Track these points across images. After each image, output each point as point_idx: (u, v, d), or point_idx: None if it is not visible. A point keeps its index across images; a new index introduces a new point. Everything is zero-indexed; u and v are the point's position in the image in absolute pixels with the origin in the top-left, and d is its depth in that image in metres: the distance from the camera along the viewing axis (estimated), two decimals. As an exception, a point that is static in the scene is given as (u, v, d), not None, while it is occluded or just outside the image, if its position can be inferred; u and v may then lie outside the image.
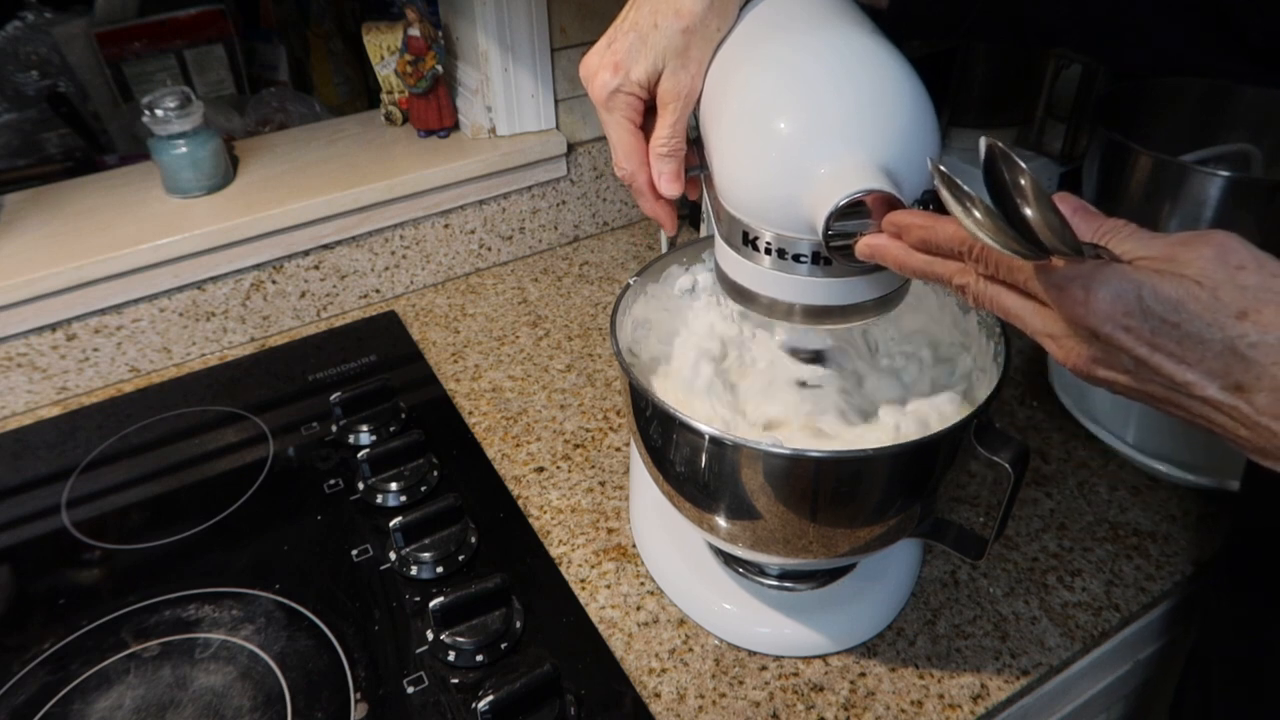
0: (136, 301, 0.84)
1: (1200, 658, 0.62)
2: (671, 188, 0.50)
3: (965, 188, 0.36)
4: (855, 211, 0.41)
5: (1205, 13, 0.48)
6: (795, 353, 0.54)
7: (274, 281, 0.90)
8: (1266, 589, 0.56)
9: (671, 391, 0.56)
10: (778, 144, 0.43)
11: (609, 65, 0.48)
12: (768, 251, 0.45)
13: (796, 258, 0.45)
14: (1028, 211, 0.34)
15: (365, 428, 0.77)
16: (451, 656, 0.59)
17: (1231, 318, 0.33)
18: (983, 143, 0.34)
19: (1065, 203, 0.37)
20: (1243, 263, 0.34)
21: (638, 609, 0.64)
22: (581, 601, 0.64)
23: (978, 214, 0.35)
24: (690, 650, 0.61)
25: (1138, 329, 0.34)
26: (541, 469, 0.76)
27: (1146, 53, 0.52)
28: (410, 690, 0.58)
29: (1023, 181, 0.34)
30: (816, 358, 0.54)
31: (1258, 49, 0.48)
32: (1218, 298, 0.33)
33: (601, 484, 0.74)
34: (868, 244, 0.43)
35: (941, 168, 0.36)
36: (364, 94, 1.55)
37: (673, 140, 0.49)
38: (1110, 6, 0.50)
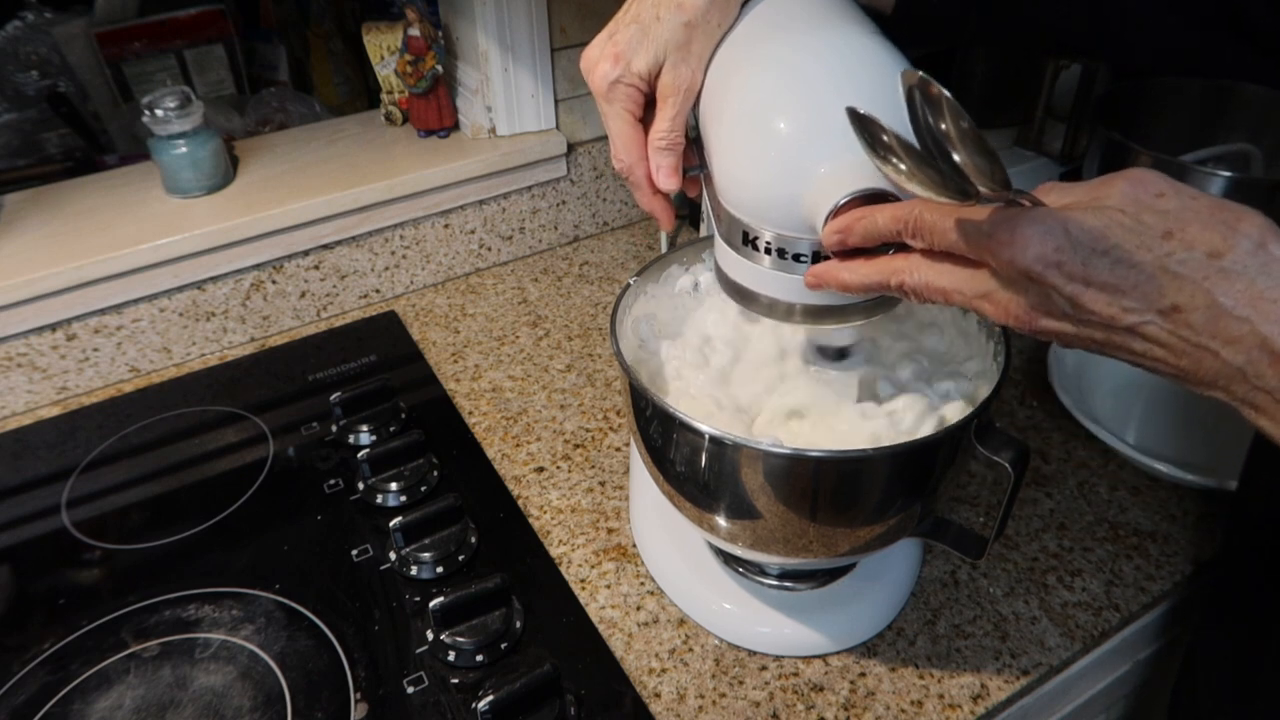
0: (136, 301, 0.84)
1: (1197, 657, 0.62)
2: (669, 182, 0.50)
3: (886, 137, 0.35)
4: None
5: (1215, 11, 0.49)
6: (822, 350, 0.54)
7: (274, 281, 0.90)
8: (1261, 590, 0.56)
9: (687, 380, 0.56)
10: (778, 144, 0.43)
11: (610, 56, 0.48)
12: (768, 251, 0.45)
13: (797, 257, 0.45)
14: (956, 157, 0.33)
15: (365, 428, 0.77)
16: (451, 656, 0.59)
17: (1158, 238, 0.33)
18: (901, 81, 0.33)
19: None
20: (1161, 190, 0.34)
21: (638, 609, 0.64)
22: (581, 601, 0.64)
23: (903, 165, 0.35)
24: (690, 650, 0.61)
25: (1069, 265, 0.34)
26: (541, 469, 0.76)
27: (1156, 52, 0.52)
28: (410, 690, 0.58)
29: (944, 125, 0.33)
30: (841, 354, 0.54)
31: (1267, 46, 0.48)
32: (1141, 221, 0.34)
33: (601, 484, 0.74)
34: (812, 274, 0.43)
35: (861, 111, 0.35)
36: (364, 94, 1.55)
37: (672, 134, 0.49)
38: (1121, 5, 0.50)
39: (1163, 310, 0.34)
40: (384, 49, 0.98)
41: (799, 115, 0.42)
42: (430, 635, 0.61)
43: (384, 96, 1.01)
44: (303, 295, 0.93)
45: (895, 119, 0.42)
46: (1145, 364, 0.36)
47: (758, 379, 0.55)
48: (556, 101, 0.98)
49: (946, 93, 0.33)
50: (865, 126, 0.35)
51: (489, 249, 1.02)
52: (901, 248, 0.41)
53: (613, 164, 0.51)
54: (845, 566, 0.63)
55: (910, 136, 0.35)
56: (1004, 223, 0.35)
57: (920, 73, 0.33)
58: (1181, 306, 0.34)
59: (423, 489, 0.72)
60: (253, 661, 0.60)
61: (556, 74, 0.96)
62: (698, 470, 0.51)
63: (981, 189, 0.34)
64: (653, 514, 0.68)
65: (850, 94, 0.42)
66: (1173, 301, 0.34)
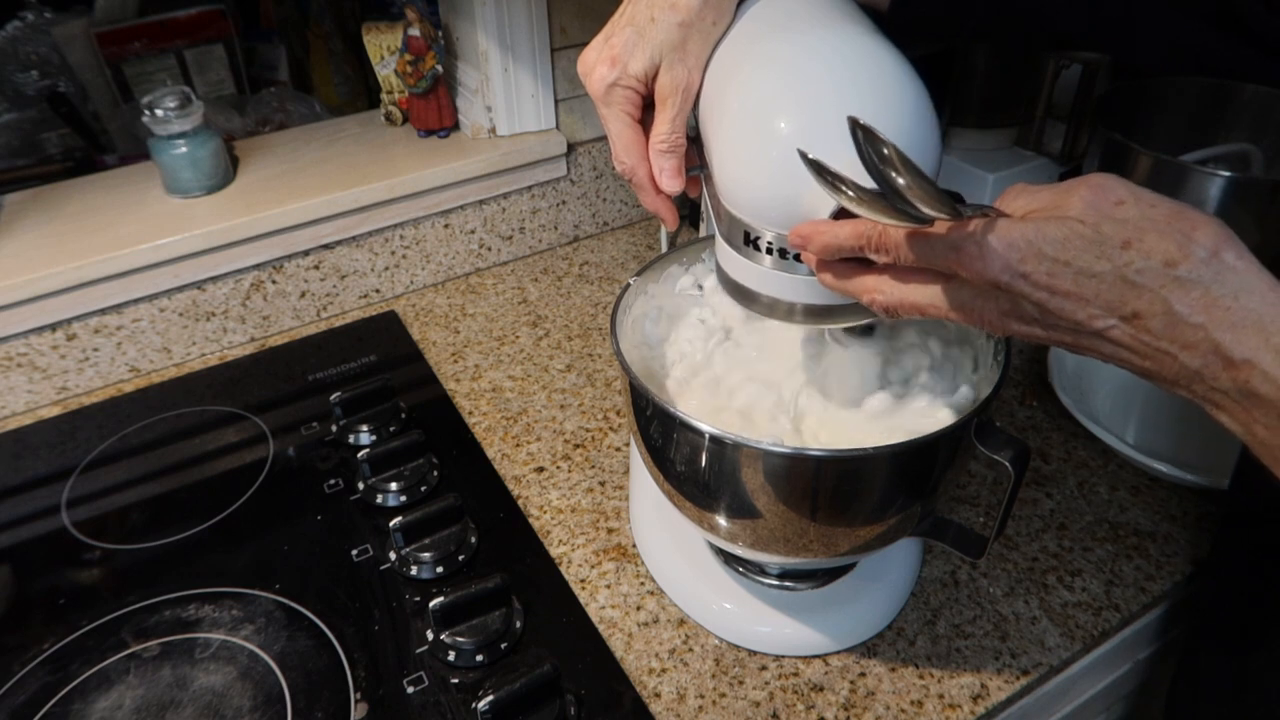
0: (136, 301, 0.84)
1: (1195, 657, 0.62)
2: (673, 183, 0.50)
3: (833, 170, 0.37)
4: None
5: (1215, 9, 0.49)
6: (848, 328, 0.54)
7: (274, 281, 0.90)
8: (1254, 589, 0.56)
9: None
10: (778, 143, 0.43)
11: (606, 59, 0.48)
12: (769, 251, 0.45)
13: (797, 257, 0.45)
14: (900, 181, 0.35)
15: (365, 428, 0.77)
16: (451, 656, 0.59)
17: (1117, 248, 0.35)
18: (848, 121, 0.35)
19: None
20: (1121, 199, 0.36)
21: (638, 609, 0.64)
22: (581, 601, 0.64)
23: (852, 194, 0.37)
24: (690, 650, 0.61)
25: (1034, 274, 0.36)
26: (541, 469, 0.76)
27: (1156, 50, 0.52)
28: (410, 690, 0.58)
29: (886, 151, 0.35)
30: (867, 331, 0.54)
31: (1267, 46, 0.49)
32: (1100, 232, 0.35)
33: (601, 484, 0.74)
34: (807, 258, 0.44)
35: (809, 155, 0.37)
36: (364, 94, 1.55)
37: (673, 135, 0.49)
38: (1125, 4, 0.50)
39: (1125, 316, 0.35)
40: (384, 49, 0.98)
41: (799, 114, 0.42)
42: (430, 635, 0.61)
43: (384, 96, 1.01)
44: (303, 295, 0.93)
45: (895, 118, 0.42)
46: (1115, 363, 0.38)
47: (779, 354, 0.55)
48: (556, 101, 0.98)
49: (886, 136, 0.35)
50: (819, 168, 0.37)
51: (489, 249, 1.02)
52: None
53: (614, 165, 0.51)
54: (845, 566, 0.63)
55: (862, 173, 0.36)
56: (969, 236, 0.37)
57: (862, 121, 0.35)
58: (1141, 313, 0.35)
59: (423, 489, 0.72)
60: (253, 661, 0.60)
61: (556, 74, 0.96)
62: (698, 470, 0.51)
63: (934, 214, 0.36)
64: (653, 514, 0.68)
65: (850, 93, 0.42)
66: (1133, 309, 0.35)
